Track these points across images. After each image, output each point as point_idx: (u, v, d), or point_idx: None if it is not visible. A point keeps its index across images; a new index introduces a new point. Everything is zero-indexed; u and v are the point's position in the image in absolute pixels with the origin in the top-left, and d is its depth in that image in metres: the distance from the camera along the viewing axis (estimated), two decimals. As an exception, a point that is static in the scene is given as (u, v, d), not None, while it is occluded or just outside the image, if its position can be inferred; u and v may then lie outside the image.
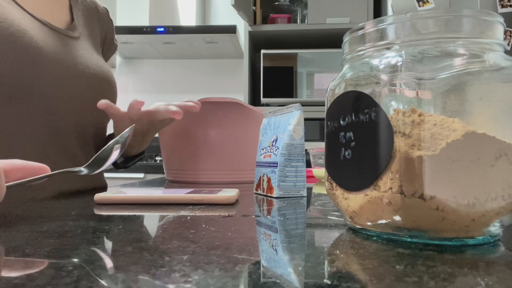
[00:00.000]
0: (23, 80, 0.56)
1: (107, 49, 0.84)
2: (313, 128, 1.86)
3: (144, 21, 2.41)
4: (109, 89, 0.72)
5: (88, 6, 0.77)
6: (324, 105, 0.57)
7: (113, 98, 0.75)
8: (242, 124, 0.79)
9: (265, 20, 2.09)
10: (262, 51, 1.93)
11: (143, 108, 0.64)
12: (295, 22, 2.12)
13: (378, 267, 0.21)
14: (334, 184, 0.31)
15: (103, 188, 0.72)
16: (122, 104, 0.71)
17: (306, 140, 1.75)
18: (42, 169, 0.40)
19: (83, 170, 0.43)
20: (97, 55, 0.74)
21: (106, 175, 0.78)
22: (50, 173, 0.40)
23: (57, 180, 0.60)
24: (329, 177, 0.32)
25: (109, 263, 0.22)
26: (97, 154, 0.45)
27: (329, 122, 0.32)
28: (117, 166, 0.79)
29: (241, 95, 2.32)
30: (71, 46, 0.66)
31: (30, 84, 0.57)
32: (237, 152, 0.79)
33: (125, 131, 0.48)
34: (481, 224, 0.25)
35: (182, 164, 0.81)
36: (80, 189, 0.65)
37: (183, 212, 0.39)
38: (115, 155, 0.45)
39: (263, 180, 0.56)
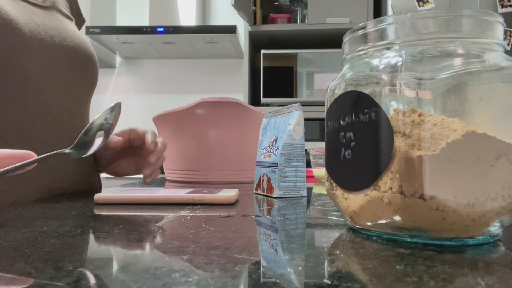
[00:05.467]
0: (2, 58, 0.52)
1: (76, 21, 0.77)
2: (313, 128, 1.85)
3: (144, 21, 2.41)
4: (90, 62, 0.67)
5: None
6: (324, 105, 0.57)
7: (94, 71, 0.69)
8: (242, 124, 0.79)
9: (265, 20, 2.09)
10: (262, 51, 1.93)
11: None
12: (295, 22, 2.12)
13: (378, 267, 0.21)
14: (334, 184, 0.31)
15: (98, 189, 0.71)
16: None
17: (306, 140, 1.75)
18: (27, 155, 0.39)
19: (71, 152, 0.41)
20: (71, 25, 0.68)
21: (106, 175, 0.77)
22: (37, 157, 0.39)
23: (50, 180, 0.59)
24: (329, 177, 0.32)
25: (109, 263, 0.22)
26: (80, 136, 0.41)
27: (329, 122, 0.32)
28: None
29: (241, 95, 2.32)
30: (43, 17, 0.60)
31: (11, 62, 0.53)
32: (237, 152, 0.79)
33: (109, 116, 0.44)
34: (481, 224, 0.25)
35: (182, 164, 0.81)
36: (80, 190, 0.65)
37: (183, 212, 0.39)
38: (98, 142, 0.43)
39: (263, 180, 0.56)
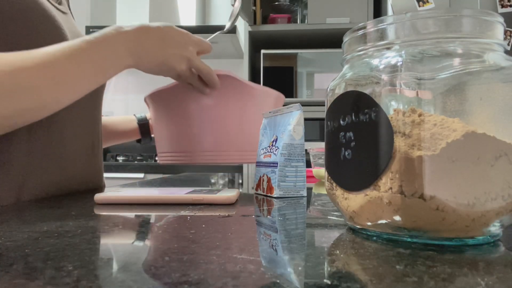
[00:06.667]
0: None
1: None
2: (313, 128, 1.86)
3: (144, 21, 2.41)
4: None
5: None
6: (324, 105, 0.57)
7: None
8: (238, 100, 0.73)
9: (265, 20, 2.09)
10: (262, 51, 1.93)
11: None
12: (295, 22, 2.12)
13: (378, 267, 0.21)
14: (334, 184, 0.31)
15: (101, 188, 0.71)
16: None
17: (306, 140, 1.74)
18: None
19: None
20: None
21: (106, 175, 0.77)
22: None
23: (59, 178, 0.59)
24: (329, 177, 0.32)
25: (109, 263, 0.22)
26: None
27: (329, 122, 0.32)
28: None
29: (241, 95, 2.32)
30: (70, 24, 0.64)
31: None
32: (234, 130, 0.73)
33: None
34: (481, 224, 0.25)
35: (175, 145, 0.76)
36: (79, 189, 0.64)
37: (183, 212, 0.39)
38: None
39: (263, 180, 0.56)
